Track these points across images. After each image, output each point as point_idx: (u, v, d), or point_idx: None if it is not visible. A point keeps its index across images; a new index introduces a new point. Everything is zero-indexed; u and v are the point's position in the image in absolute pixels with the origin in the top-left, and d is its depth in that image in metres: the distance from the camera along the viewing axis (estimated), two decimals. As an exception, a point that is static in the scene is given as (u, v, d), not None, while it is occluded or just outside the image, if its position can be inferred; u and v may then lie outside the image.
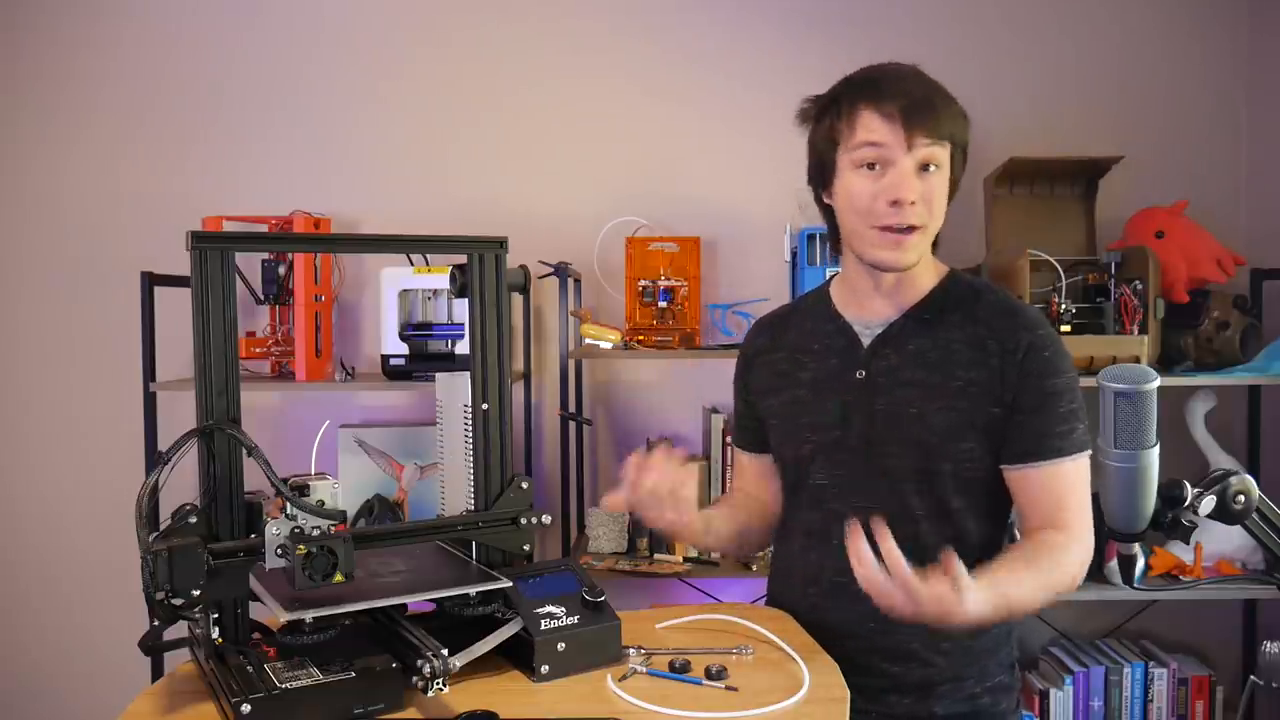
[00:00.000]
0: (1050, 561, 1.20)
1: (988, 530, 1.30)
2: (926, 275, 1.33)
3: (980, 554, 1.26)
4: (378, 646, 1.05)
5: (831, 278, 1.44)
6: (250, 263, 2.29)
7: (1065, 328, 2.06)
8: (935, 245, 1.35)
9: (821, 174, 1.30)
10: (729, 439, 2.27)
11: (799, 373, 1.37)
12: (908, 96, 1.20)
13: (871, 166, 1.22)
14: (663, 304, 2.30)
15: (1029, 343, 1.24)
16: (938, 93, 1.24)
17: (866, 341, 1.33)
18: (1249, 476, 0.99)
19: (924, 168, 1.22)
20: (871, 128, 1.21)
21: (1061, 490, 1.24)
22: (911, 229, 1.23)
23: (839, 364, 1.34)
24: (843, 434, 1.31)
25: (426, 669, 0.98)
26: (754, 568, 2.24)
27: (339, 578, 1.01)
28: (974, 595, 1.04)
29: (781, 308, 1.51)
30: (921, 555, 1.18)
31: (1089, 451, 1.23)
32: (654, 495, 1.24)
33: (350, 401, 2.53)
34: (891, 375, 1.29)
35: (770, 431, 1.42)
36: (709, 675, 1.08)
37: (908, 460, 1.26)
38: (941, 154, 1.23)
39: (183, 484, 1.11)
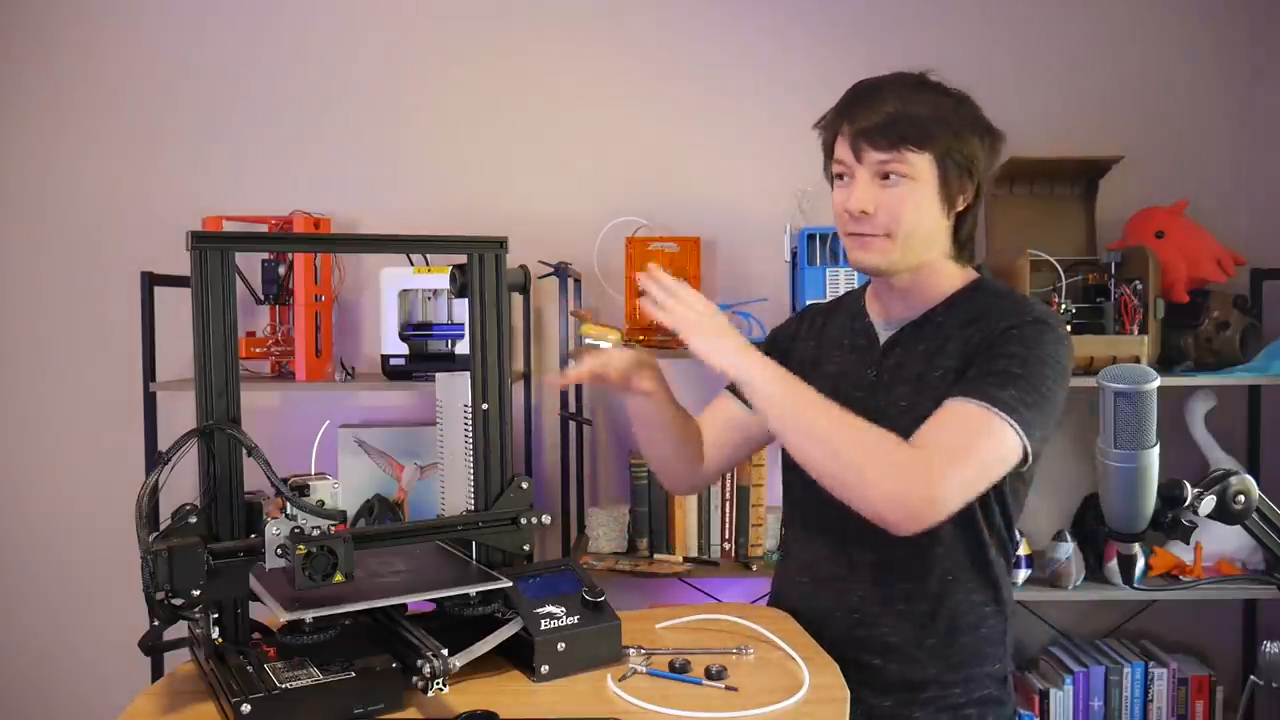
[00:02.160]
0: (874, 430, 1.14)
1: (982, 527, 1.29)
2: (948, 279, 1.33)
3: (977, 552, 1.26)
4: (378, 646, 1.05)
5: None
6: (250, 263, 2.29)
7: (1065, 328, 2.05)
8: (969, 253, 1.35)
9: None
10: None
11: (825, 366, 1.39)
12: (865, 117, 1.25)
13: (842, 179, 1.29)
14: (663, 304, 2.30)
15: (1005, 326, 1.23)
16: (913, 107, 1.24)
17: (882, 341, 1.34)
18: (1249, 476, 0.99)
19: (884, 177, 1.24)
20: (839, 143, 1.29)
21: (945, 420, 1.16)
22: (874, 235, 1.26)
23: (857, 362, 1.36)
24: None
25: (426, 669, 0.98)
26: (754, 568, 2.25)
27: (339, 578, 1.01)
28: (731, 329, 1.22)
29: (830, 301, 1.52)
30: (910, 547, 1.19)
31: (1010, 422, 1.14)
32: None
33: (350, 401, 2.53)
34: (895, 375, 1.30)
35: None
36: (709, 675, 1.08)
37: None
38: (904, 166, 1.23)
39: (183, 484, 1.11)
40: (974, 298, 1.32)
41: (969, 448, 1.14)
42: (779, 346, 1.49)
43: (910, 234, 1.25)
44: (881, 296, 1.37)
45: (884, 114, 1.23)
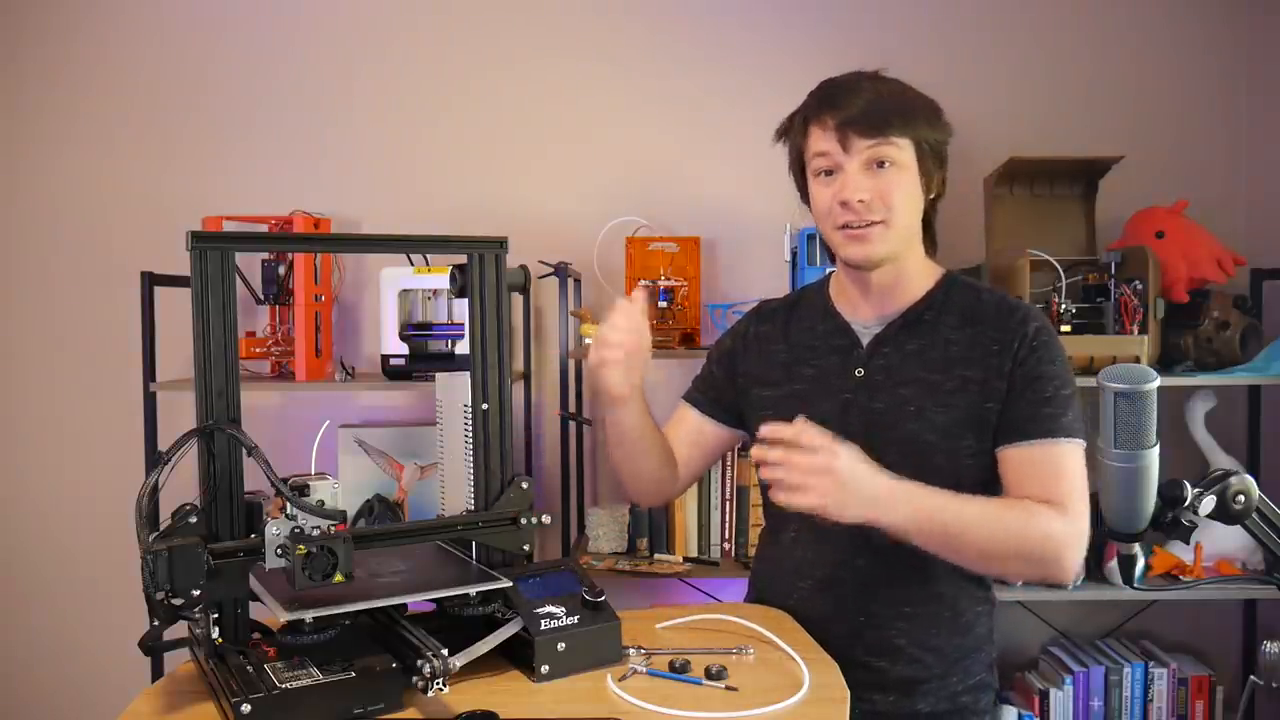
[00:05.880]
0: (1024, 515, 1.20)
1: None
2: (921, 277, 1.35)
3: None
4: (378, 646, 1.05)
5: (830, 274, 1.45)
6: (250, 263, 2.29)
7: (1065, 328, 2.06)
8: (934, 247, 1.37)
9: (801, 190, 1.38)
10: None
11: (800, 368, 1.39)
12: (847, 106, 1.26)
13: (829, 174, 1.29)
14: (663, 304, 2.30)
15: (1024, 335, 1.27)
16: (888, 95, 1.27)
17: (865, 340, 1.34)
18: (1249, 476, 0.99)
19: (878, 165, 1.26)
20: (818, 138, 1.29)
21: (1051, 470, 1.24)
22: (870, 224, 1.27)
23: (838, 362, 1.36)
24: (840, 431, 1.32)
25: (426, 669, 0.98)
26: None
27: (339, 578, 1.01)
28: (858, 458, 1.14)
29: (786, 298, 1.52)
30: (913, 549, 1.20)
31: (1081, 442, 1.25)
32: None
33: (350, 401, 2.53)
34: (890, 374, 1.31)
35: (762, 423, 1.42)
36: (709, 675, 1.08)
37: (905, 457, 1.27)
38: (892, 151, 1.26)
39: (183, 484, 1.11)
40: (955, 296, 1.34)
41: (1075, 484, 1.24)
42: (745, 339, 1.48)
43: (901, 220, 1.28)
44: (856, 294, 1.37)
45: (866, 101, 1.26)
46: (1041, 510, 1.21)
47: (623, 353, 1.25)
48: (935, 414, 1.27)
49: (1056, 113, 2.46)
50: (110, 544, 2.49)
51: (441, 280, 2.19)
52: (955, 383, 1.27)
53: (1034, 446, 1.24)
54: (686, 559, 2.29)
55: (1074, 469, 1.24)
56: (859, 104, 1.25)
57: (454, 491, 1.28)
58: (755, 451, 1.16)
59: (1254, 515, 1.00)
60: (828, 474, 1.12)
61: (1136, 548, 1.01)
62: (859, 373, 1.33)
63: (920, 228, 1.34)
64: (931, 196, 1.33)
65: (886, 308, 1.35)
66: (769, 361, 1.43)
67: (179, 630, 1.07)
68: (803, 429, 1.14)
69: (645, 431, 1.38)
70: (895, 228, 1.27)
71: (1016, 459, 1.26)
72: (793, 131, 1.34)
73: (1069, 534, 1.21)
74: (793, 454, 1.13)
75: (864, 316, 1.37)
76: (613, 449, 1.41)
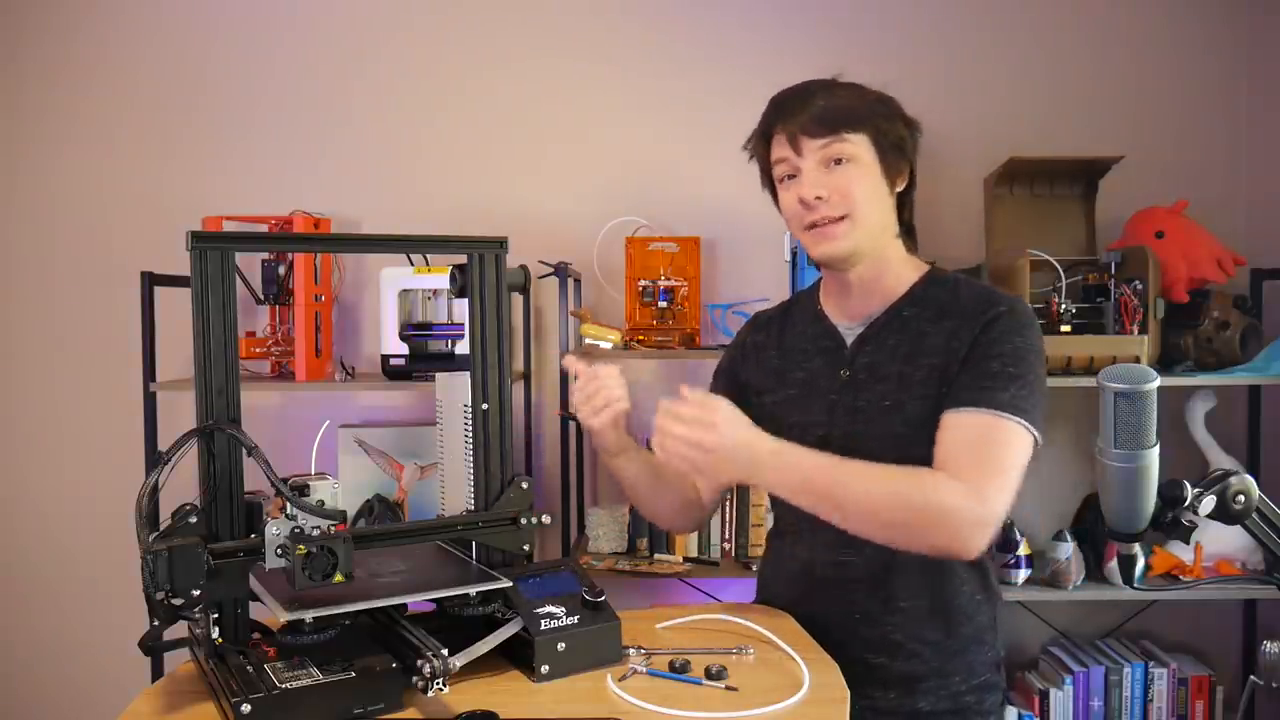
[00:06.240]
0: (915, 483, 1.16)
1: None
2: (903, 273, 1.36)
3: None
4: (378, 646, 1.05)
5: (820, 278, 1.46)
6: (250, 263, 2.29)
7: (1065, 328, 2.06)
8: (913, 243, 1.38)
9: (774, 199, 1.40)
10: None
11: (792, 373, 1.40)
12: (798, 113, 1.29)
13: (792, 178, 1.32)
14: (663, 304, 2.30)
15: (989, 317, 1.26)
16: (837, 96, 1.29)
17: (850, 340, 1.36)
18: (1249, 476, 0.99)
19: (835, 162, 1.28)
20: (776, 147, 1.33)
21: (975, 438, 1.19)
22: (832, 220, 1.28)
23: (825, 364, 1.37)
24: (828, 431, 1.33)
25: (426, 669, 0.98)
26: (754, 568, 2.24)
27: (339, 578, 1.01)
28: (740, 426, 1.18)
29: (778, 306, 1.54)
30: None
31: (1019, 421, 1.19)
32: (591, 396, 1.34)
33: (350, 401, 2.53)
34: (873, 372, 1.32)
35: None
36: (709, 675, 1.08)
37: (885, 453, 1.27)
38: (847, 148, 1.28)
39: (183, 484, 1.11)
40: (936, 290, 1.34)
41: (996, 460, 1.18)
42: (744, 351, 1.50)
43: (866, 214, 1.29)
44: (839, 296, 1.39)
45: (817, 106, 1.28)
46: (940, 480, 1.16)
47: (615, 395, 1.33)
48: (911, 406, 1.27)
49: (1056, 113, 2.46)
50: (110, 544, 2.49)
51: (441, 280, 2.19)
52: (924, 372, 1.28)
53: (962, 414, 1.20)
54: (686, 559, 2.29)
55: (1000, 442, 1.18)
56: (809, 109, 1.28)
57: (454, 491, 1.28)
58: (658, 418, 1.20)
59: (1254, 515, 1.00)
60: (700, 449, 1.16)
61: (1136, 548, 1.01)
62: (844, 373, 1.34)
63: (895, 223, 1.35)
64: (900, 190, 1.34)
65: (870, 307, 1.36)
66: (764, 369, 1.45)
67: (179, 630, 1.07)
68: (682, 403, 1.19)
69: (649, 476, 1.42)
70: (860, 223, 1.28)
71: (943, 425, 1.22)
72: (756, 147, 1.38)
73: (964, 508, 1.14)
74: (673, 424, 1.18)
75: (849, 317, 1.38)
76: (628, 495, 1.47)
